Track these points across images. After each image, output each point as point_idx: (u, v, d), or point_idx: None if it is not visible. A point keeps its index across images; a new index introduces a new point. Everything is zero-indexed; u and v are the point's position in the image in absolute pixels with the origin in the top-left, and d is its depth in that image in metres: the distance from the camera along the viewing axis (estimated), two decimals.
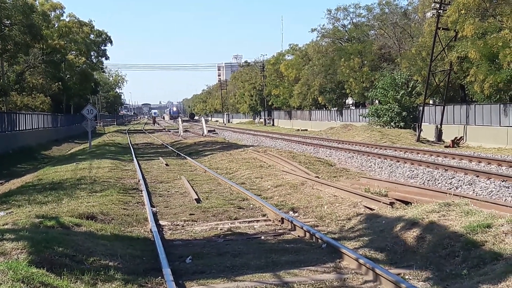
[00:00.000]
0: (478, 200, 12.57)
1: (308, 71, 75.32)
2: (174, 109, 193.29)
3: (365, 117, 58.17)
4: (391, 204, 12.87)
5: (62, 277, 7.76)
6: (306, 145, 40.28)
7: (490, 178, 19.21)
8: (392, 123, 51.97)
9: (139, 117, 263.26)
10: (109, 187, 18.20)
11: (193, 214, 13.94)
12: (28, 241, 8.94)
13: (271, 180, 19.07)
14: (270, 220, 13.08)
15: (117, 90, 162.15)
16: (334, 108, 73.39)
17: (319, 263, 9.22)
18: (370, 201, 13.54)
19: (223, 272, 8.90)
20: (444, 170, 22.19)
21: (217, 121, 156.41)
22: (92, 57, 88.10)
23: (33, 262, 8.02)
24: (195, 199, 15.90)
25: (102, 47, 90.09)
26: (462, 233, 9.12)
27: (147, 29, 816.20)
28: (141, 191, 17.76)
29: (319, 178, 18.94)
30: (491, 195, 16.75)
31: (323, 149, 36.06)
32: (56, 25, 69.26)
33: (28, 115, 53.04)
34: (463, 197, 12.73)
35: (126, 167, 26.26)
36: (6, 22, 40.77)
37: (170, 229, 12.45)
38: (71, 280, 7.75)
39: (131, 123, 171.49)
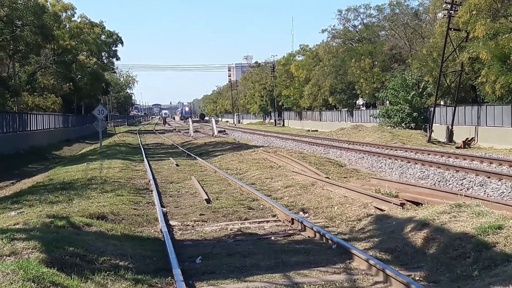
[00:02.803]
0: (489, 201, 12.52)
1: (319, 71, 75.31)
2: (187, 109, 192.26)
3: (376, 118, 58.06)
4: (402, 205, 12.83)
5: (72, 276, 7.78)
6: (316, 145, 40.23)
7: (502, 179, 19.13)
8: (402, 124, 51.86)
9: (149, 117, 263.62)
10: (119, 187, 18.24)
11: (203, 215, 13.95)
12: (39, 240, 8.97)
13: (281, 181, 19.05)
14: (280, 220, 13.07)
15: (128, 90, 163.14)
16: (345, 109, 73.30)
17: (329, 263, 9.20)
18: (381, 202, 13.50)
19: (233, 272, 8.90)
20: (455, 171, 22.11)
21: (227, 121, 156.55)
22: (103, 58, 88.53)
23: (43, 262, 8.05)
24: (205, 200, 15.90)
25: (113, 48, 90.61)
26: (473, 234, 9.07)
27: (158, 30, 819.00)
28: (152, 191, 17.79)
29: (329, 178, 18.91)
30: (502, 196, 16.68)
31: (333, 149, 36.00)
32: (67, 26, 69.65)
33: (39, 115, 53.35)
34: (474, 198, 12.68)
35: (136, 167, 26.32)
36: (18, 23, 40.96)
37: (180, 229, 12.46)
38: (81, 280, 7.77)
39: (141, 123, 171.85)
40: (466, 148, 37.35)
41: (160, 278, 8.56)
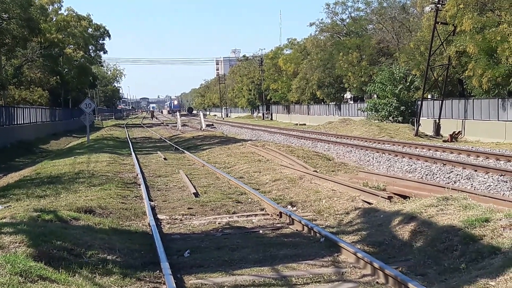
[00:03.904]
0: (476, 194, 12.58)
1: (307, 65, 75.26)
2: (175, 102, 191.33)
3: (364, 112, 58.12)
4: (389, 198, 12.87)
5: (60, 270, 7.75)
6: (304, 139, 40.28)
7: (488, 173, 19.24)
8: (390, 118, 51.98)
9: (140, 111, 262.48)
10: (107, 181, 18.18)
11: (191, 208, 13.93)
12: (26, 234, 8.93)
13: (270, 174, 19.05)
14: (268, 214, 13.08)
15: (115, 84, 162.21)
16: (333, 103, 73.33)
17: (317, 257, 9.22)
18: (368, 195, 13.54)
19: (221, 266, 8.91)
20: (442, 165, 22.20)
21: (215, 115, 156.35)
22: (90, 51, 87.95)
23: (31, 256, 8.02)
24: (194, 193, 15.89)
25: (100, 41, 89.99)
26: (460, 227, 9.12)
27: (146, 23, 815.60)
28: (140, 185, 17.73)
29: (317, 172, 18.94)
30: (489, 189, 16.77)
31: (321, 143, 36.05)
32: (54, 19, 69.08)
33: (26, 109, 52.98)
34: (461, 191, 12.74)
35: (124, 161, 26.23)
36: (4, 15, 40.68)
37: (168, 223, 12.45)
38: (69, 274, 7.74)
39: (129, 117, 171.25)
40: (453, 141, 37.51)
41: (148, 271, 8.56)
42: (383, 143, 34.32)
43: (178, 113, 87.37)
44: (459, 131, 40.42)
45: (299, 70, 79.61)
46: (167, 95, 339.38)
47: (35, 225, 9.92)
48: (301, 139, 40.82)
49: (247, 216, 12.99)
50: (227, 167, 22.62)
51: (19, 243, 8.58)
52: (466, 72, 39.72)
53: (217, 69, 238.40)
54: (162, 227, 11.99)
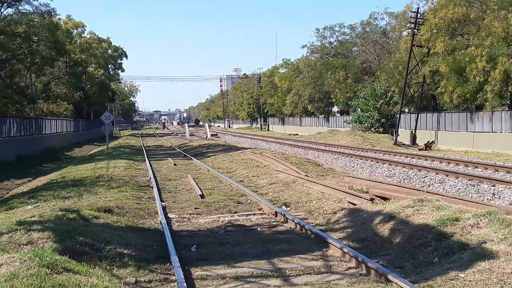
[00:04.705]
0: (447, 196, 12.57)
1: (299, 82, 75.43)
2: (185, 114, 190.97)
3: (349, 123, 58.14)
4: (372, 200, 12.86)
5: (82, 263, 7.74)
6: (297, 147, 40.24)
7: (458, 177, 19.24)
8: (372, 129, 51.98)
9: (151, 122, 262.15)
10: (124, 184, 18.14)
11: (197, 208, 13.91)
12: (53, 231, 8.92)
13: (266, 178, 19.03)
14: (265, 213, 13.06)
15: (131, 98, 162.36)
16: (322, 115, 73.38)
17: (308, 251, 9.20)
18: (353, 197, 13.52)
19: (224, 259, 8.89)
20: (418, 170, 22.20)
21: (219, 126, 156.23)
22: (110, 70, 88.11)
23: (57, 250, 8.01)
24: (200, 195, 15.86)
25: (119, 61, 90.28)
26: (434, 226, 9.12)
27: (158, 44, 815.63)
28: (152, 187, 17.71)
29: (308, 176, 18.91)
30: (459, 192, 16.76)
31: (312, 151, 36.02)
32: (78, 41, 69.32)
33: (53, 120, 52.98)
34: (435, 194, 12.73)
35: (139, 166, 26.19)
36: (34, 38, 40.67)
37: (177, 221, 12.42)
38: (90, 266, 7.74)
39: (143, 127, 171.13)
40: (428, 150, 37.51)
41: (159, 264, 8.55)
42: (366, 151, 34.31)
43: (186, 124, 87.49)
44: (432, 141, 40.45)
45: (293, 86, 79.75)
46: (176, 108, 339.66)
47: (60, 223, 9.91)
48: (294, 147, 40.79)
49: (247, 215, 12.97)
50: (229, 172, 22.59)
51: (46, 238, 8.57)
52: (439, 89, 39.89)
53: (221, 86, 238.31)
54: (172, 225, 11.97)
